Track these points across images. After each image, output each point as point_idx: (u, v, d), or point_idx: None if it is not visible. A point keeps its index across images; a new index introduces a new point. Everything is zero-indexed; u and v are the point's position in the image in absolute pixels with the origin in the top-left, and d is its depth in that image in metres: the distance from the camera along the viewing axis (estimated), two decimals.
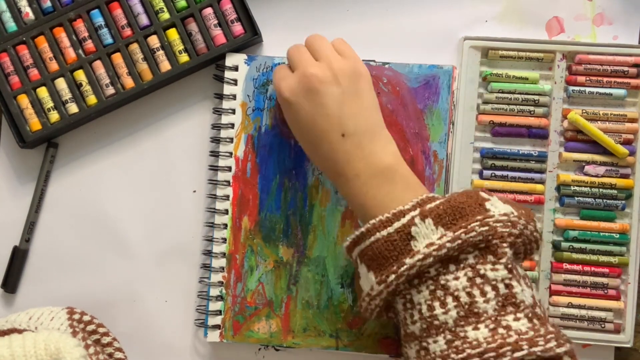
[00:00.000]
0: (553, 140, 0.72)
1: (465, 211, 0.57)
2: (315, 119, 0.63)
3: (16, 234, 0.74)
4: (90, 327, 0.68)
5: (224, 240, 0.72)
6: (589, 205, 0.72)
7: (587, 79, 0.72)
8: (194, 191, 0.74)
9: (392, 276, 0.56)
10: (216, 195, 0.72)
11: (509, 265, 0.55)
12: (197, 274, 0.74)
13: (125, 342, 0.70)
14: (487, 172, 0.72)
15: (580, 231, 0.71)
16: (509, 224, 0.56)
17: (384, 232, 0.58)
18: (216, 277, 0.72)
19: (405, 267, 0.56)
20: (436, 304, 0.55)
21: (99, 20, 0.72)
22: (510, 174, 0.72)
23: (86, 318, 0.68)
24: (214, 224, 0.72)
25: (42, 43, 0.72)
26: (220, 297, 0.72)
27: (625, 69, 0.72)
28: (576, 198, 0.71)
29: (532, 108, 0.72)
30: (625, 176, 0.72)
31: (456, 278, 0.55)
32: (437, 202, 0.58)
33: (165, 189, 0.74)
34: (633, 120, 0.72)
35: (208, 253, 0.73)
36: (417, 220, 0.57)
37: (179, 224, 0.74)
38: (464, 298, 0.55)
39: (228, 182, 0.72)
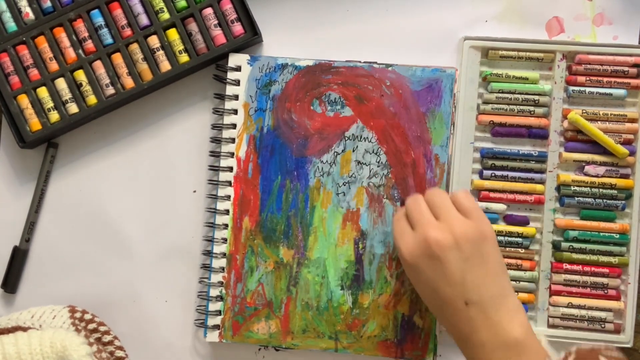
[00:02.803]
0: (553, 140, 0.72)
1: None
2: (436, 285, 0.61)
3: (16, 234, 0.74)
4: (92, 326, 0.68)
5: (225, 240, 0.72)
6: (589, 205, 0.72)
7: (587, 79, 0.72)
8: (194, 191, 0.74)
9: None
10: (217, 196, 0.72)
11: None
12: (197, 274, 0.74)
13: (125, 342, 0.71)
14: (487, 172, 0.72)
15: (580, 231, 0.71)
16: None
17: None
18: (216, 278, 0.72)
19: None
20: None
21: (99, 20, 0.72)
22: (510, 174, 0.72)
23: (87, 316, 0.68)
24: (214, 224, 0.72)
25: (42, 43, 0.72)
26: (220, 298, 0.72)
27: (625, 69, 0.72)
28: (576, 198, 0.71)
29: (532, 108, 0.72)
30: (625, 176, 0.72)
31: None
32: None
33: (165, 189, 0.74)
34: (633, 120, 0.72)
35: (208, 253, 0.73)
36: None
37: (179, 224, 0.74)
38: None
39: (229, 182, 0.72)
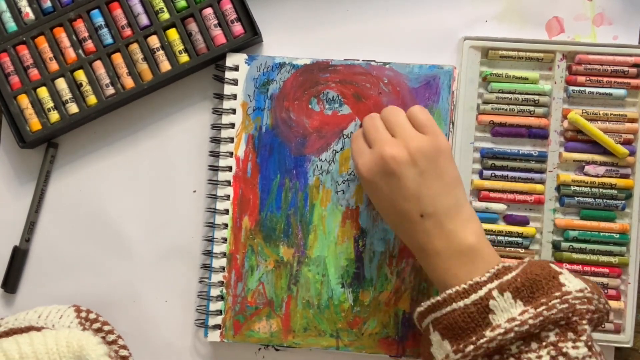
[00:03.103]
0: (553, 140, 0.72)
1: (542, 284, 0.57)
2: (393, 200, 0.62)
3: (16, 234, 0.74)
4: (96, 325, 0.68)
5: (225, 240, 0.72)
6: (589, 205, 0.72)
7: (587, 79, 0.72)
8: (194, 191, 0.74)
9: (471, 347, 0.56)
10: (216, 195, 0.72)
11: (589, 343, 0.56)
12: (197, 274, 0.74)
13: (125, 342, 0.70)
14: (487, 172, 0.72)
15: (580, 231, 0.71)
16: (586, 300, 0.57)
17: (461, 303, 0.57)
18: (216, 277, 0.72)
19: (484, 339, 0.56)
20: None
21: (99, 20, 0.72)
22: (510, 174, 0.72)
23: (92, 316, 0.68)
24: (214, 223, 0.72)
25: (42, 43, 0.72)
26: (220, 297, 0.72)
27: (625, 69, 0.72)
28: (576, 198, 0.71)
29: (532, 108, 0.72)
30: (625, 176, 0.72)
31: (539, 357, 0.55)
32: (513, 273, 0.58)
33: (165, 189, 0.74)
34: (633, 120, 0.72)
35: (208, 253, 0.73)
36: (495, 293, 0.57)
37: (179, 224, 0.74)
38: None
39: (229, 181, 0.72)
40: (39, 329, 0.64)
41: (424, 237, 0.61)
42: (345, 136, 0.71)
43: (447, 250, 0.60)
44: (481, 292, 0.57)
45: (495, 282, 0.57)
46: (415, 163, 0.61)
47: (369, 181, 0.63)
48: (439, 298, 0.59)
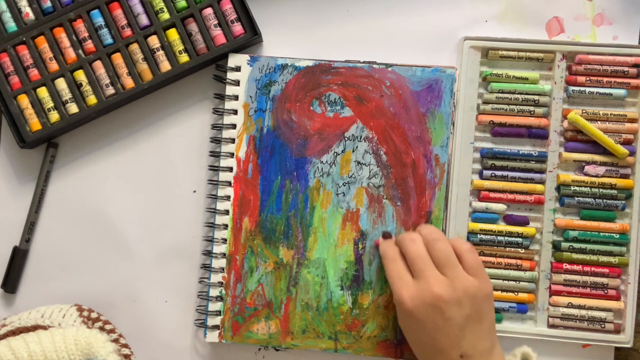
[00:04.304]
0: (553, 140, 0.72)
1: None
2: (434, 336, 0.63)
3: (16, 234, 0.74)
4: (98, 324, 0.68)
5: (224, 240, 0.72)
6: (589, 205, 0.72)
7: (587, 79, 0.72)
8: (194, 191, 0.74)
9: None
10: (217, 196, 0.72)
11: None
12: (197, 274, 0.74)
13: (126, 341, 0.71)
14: (487, 172, 0.72)
15: (580, 231, 0.71)
16: None
17: None
18: (216, 278, 0.72)
19: None
20: None
21: (99, 20, 0.72)
22: (510, 174, 0.72)
23: (93, 315, 0.69)
24: (214, 224, 0.72)
25: (42, 43, 0.72)
26: (220, 298, 0.72)
27: (625, 69, 0.72)
28: (576, 198, 0.71)
29: (532, 108, 0.72)
30: (625, 176, 0.72)
31: None
32: None
33: (165, 189, 0.74)
34: (633, 120, 0.72)
35: (208, 253, 0.73)
36: None
37: (179, 224, 0.74)
38: None
39: (229, 182, 0.72)
40: (45, 328, 0.64)
41: None
42: (346, 138, 0.71)
43: None
44: None
45: None
46: (462, 305, 0.63)
47: (410, 313, 0.64)
48: None
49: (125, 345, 0.68)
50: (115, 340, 0.68)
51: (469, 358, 0.62)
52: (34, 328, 0.64)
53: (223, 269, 0.72)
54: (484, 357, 0.63)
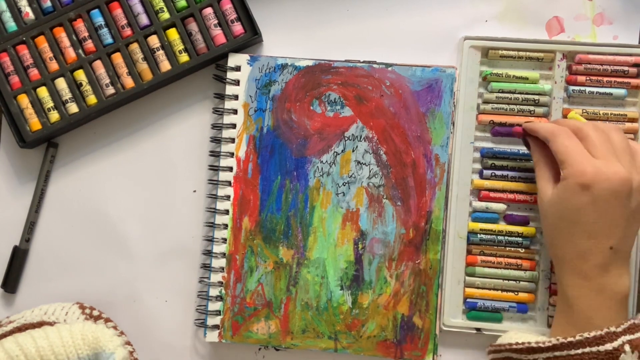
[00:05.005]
0: None
1: None
2: (599, 219, 0.60)
3: (16, 234, 0.74)
4: (100, 322, 0.68)
5: (224, 240, 0.72)
6: None
7: (587, 78, 0.72)
8: (194, 191, 0.74)
9: None
10: (217, 195, 0.72)
11: None
12: (197, 274, 0.74)
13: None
14: (487, 172, 0.72)
15: None
16: None
17: (594, 349, 0.58)
18: (216, 277, 0.72)
19: None
20: None
21: (99, 20, 0.72)
22: (510, 173, 0.72)
23: (95, 313, 0.69)
24: (214, 224, 0.72)
25: (42, 43, 0.72)
26: (219, 298, 0.72)
27: (626, 68, 0.72)
28: None
29: (532, 108, 0.72)
30: None
31: None
32: None
33: (165, 189, 0.74)
34: (633, 120, 0.72)
35: (208, 253, 0.73)
36: (627, 348, 0.58)
37: (179, 224, 0.74)
38: None
39: (229, 182, 0.72)
40: (51, 324, 0.64)
41: (595, 267, 0.61)
42: (346, 138, 0.71)
43: (605, 289, 0.61)
44: (615, 343, 0.58)
45: (628, 336, 0.58)
46: (637, 197, 0.61)
47: (587, 186, 0.60)
48: (572, 339, 0.59)
49: (128, 343, 0.68)
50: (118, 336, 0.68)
51: (616, 253, 0.60)
52: (40, 324, 0.64)
53: (223, 268, 0.72)
54: (626, 259, 0.61)
